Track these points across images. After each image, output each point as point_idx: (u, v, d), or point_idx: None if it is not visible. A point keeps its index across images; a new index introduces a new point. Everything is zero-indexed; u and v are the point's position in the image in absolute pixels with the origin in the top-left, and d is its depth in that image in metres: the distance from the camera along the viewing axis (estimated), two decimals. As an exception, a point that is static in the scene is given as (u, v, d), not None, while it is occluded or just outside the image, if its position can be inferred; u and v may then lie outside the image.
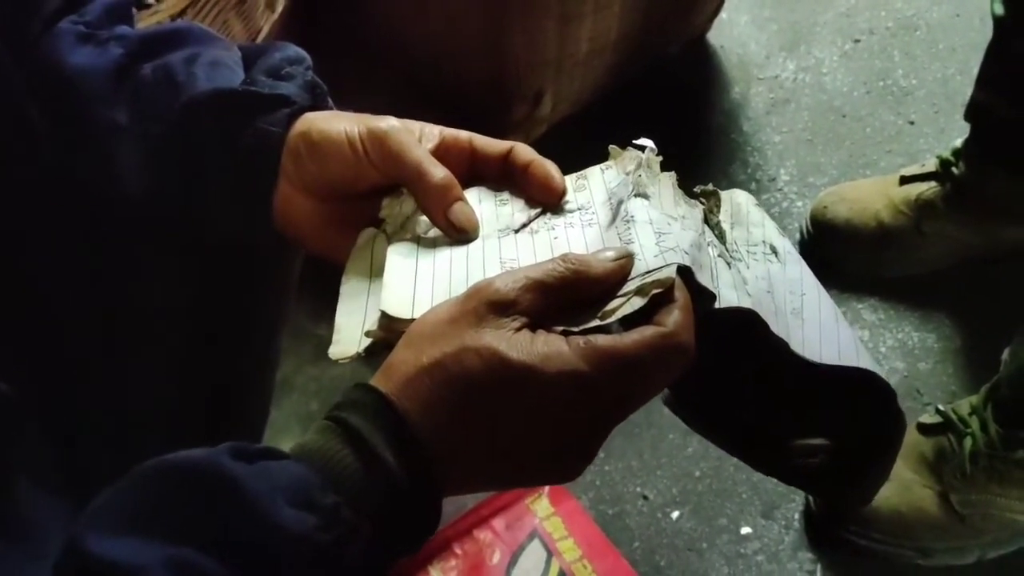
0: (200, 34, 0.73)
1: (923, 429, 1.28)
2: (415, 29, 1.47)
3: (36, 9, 0.69)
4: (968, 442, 1.23)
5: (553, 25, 1.41)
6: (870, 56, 1.85)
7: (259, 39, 1.26)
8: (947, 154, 1.48)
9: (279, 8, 1.28)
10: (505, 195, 0.66)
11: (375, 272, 0.63)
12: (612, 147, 0.69)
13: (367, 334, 0.59)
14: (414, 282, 0.60)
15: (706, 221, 0.66)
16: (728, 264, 0.63)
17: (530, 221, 0.64)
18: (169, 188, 0.68)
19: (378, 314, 0.59)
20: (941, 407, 1.28)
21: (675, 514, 1.34)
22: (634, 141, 0.68)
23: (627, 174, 0.66)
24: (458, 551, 1.15)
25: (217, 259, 0.72)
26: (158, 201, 0.68)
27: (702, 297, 0.58)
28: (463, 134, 0.67)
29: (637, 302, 0.56)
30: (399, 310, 0.58)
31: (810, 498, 1.31)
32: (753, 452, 0.69)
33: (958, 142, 1.48)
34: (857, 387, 0.63)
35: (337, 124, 0.65)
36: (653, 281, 0.56)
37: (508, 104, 1.51)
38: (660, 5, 1.53)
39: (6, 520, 0.59)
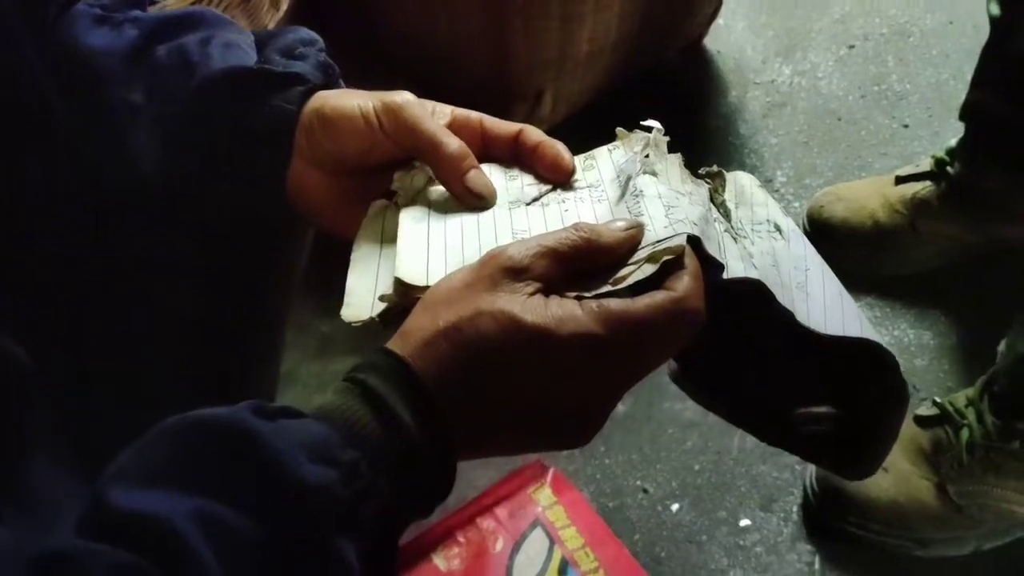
0: (213, 18, 0.74)
1: (920, 421, 1.30)
2: (417, 28, 1.49)
3: None
4: (965, 433, 1.24)
5: (554, 25, 1.43)
6: (864, 61, 1.88)
7: (264, 36, 1.28)
8: (942, 153, 1.50)
9: (283, 6, 1.30)
10: (515, 171, 0.68)
11: (386, 240, 0.64)
12: (619, 129, 0.70)
13: (382, 298, 0.60)
14: (427, 250, 0.61)
15: (711, 200, 0.68)
16: (734, 239, 0.65)
17: (540, 196, 0.66)
18: (183, 167, 0.69)
19: (391, 278, 0.60)
20: (938, 399, 1.29)
21: (675, 507, 1.35)
22: (641, 123, 0.70)
23: (635, 153, 0.67)
24: (461, 539, 1.16)
25: (228, 240, 0.73)
26: (172, 181, 0.69)
27: (710, 267, 0.59)
28: (474, 114, 0.68)
29: (648, 268, 0.57)
30: (414, 278, 0.59)
31: (809, 490, 1.32)
32: (759, 423, 0.70)
33: (953, 141, 1.49)
34: (861, 358, 0.64)
35: (350, 99, 0.66)
36: (664, 248, 0.57)
37: (508, 104, 1.53)
38: (658, 7, 1.55)
39: (21, 494, 0.59)
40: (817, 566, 1.30)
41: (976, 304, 1.53)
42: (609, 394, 0.57)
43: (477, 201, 0.64)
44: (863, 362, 0.64)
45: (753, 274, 0.61)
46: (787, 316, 0.61)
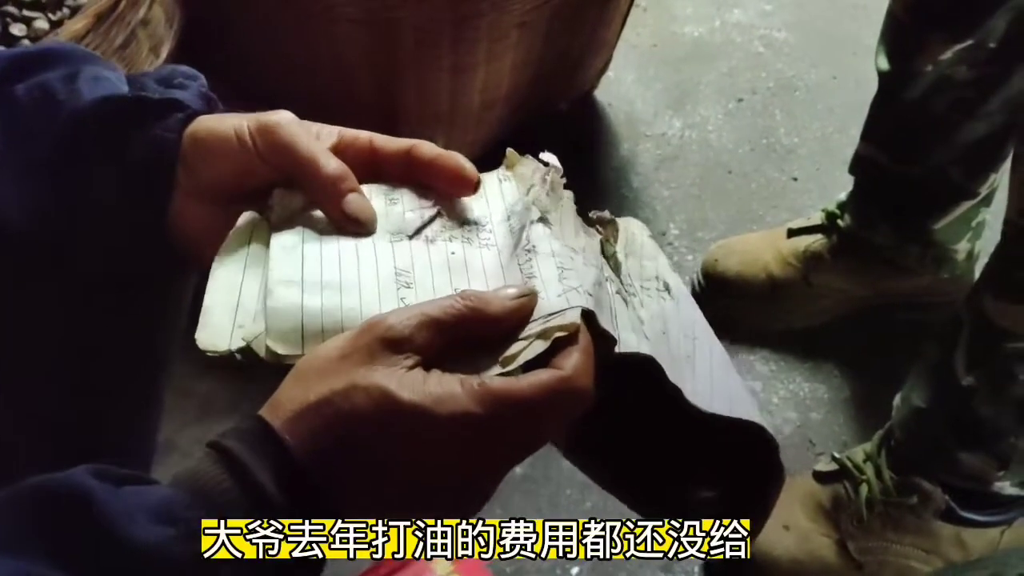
0: (77, 53, 0.68)
1: (819, 477, 1.29)
2: (304, 82, 1.45)
3: None
4: (864, 489, 1.24)
5: (445, 76, 1.40)
6: (753, 115, 1.90)
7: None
8: (832, 207, 1.51)
9: (163, 54, 1.24)
10: (396, 194, 0.63)
11: (252, 258, 0.59)
12: (509, 150, 0.67)
13: (243, 338, 0.55)
14: (301, 311, 0.56)
15: (603, 251, 0.65)
16: (625, 301, 0.62)
17: (424, 226, 0.61)
18: (53, 216, 0.63)
19: (253, 303, 0.56)
20: (836, 455, 1.29)
21: (574, 570, 1.31)
22: (539, 155, 0.66)
23: (527, 191, 0.63)
24: (354, 613, 1.11)
25: (103, 293, 0.67)
26: (40, 231, 0.63)
27: (602, 340, 0.56)
28: (363, 133, 0.64)
29: (539, 346, 0.54)
30: (288, 347, 0.55)
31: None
32: (640, 498, 0.68)
33: (843, 195, 1.51)
34: (743, 438, 0.62)
35: (226, 120, 0.61)
36: (557, 325, 0.54)
37: (399, 157, 1.50)
38: (550, 59, 1.54)
39: None
40: (720, 628, 1.28)
41: (869, 356, 1.55)
42: (491, 472, 0.54)
43: (356, 227, 0.60)
44: (744, 441, 0.62)
45: (645, 347, 0.58)
46: (676, 394, 0.59)
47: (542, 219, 0.62)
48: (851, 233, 1.48)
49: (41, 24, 1.16)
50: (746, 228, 1.70)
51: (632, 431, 0.66)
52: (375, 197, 0.62)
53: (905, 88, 1.32)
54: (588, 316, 0.55)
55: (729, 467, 0.65)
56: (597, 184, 1.75)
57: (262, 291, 0.57)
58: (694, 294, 1.55)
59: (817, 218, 1.54)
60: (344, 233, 0.60)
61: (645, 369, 0.58)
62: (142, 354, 0.75)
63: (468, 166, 0.62)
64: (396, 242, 0.60)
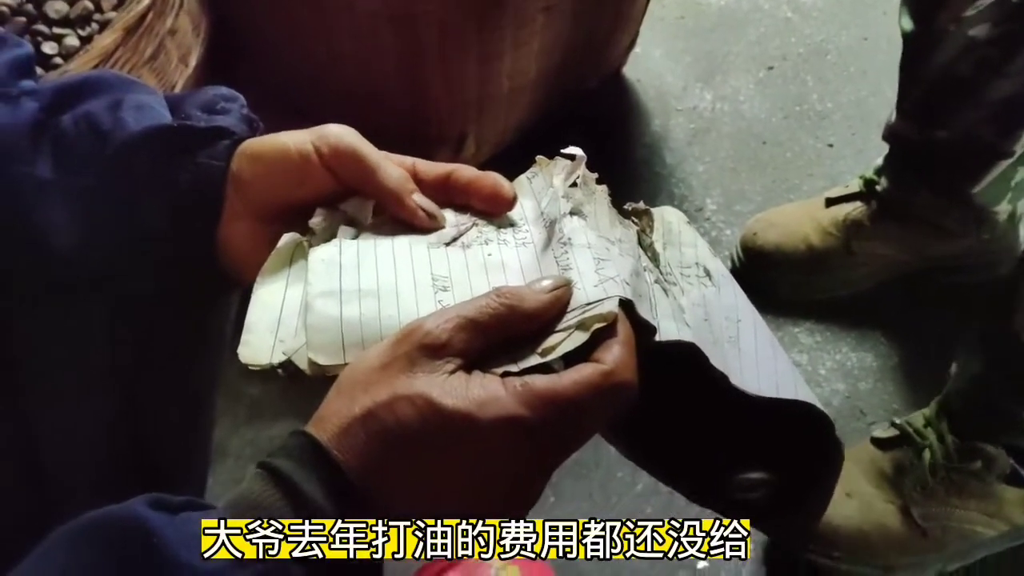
0: (117, 81, 0.69)
1: (879, 444, 1.28)
2: (332, 80, 1.45)
3: None
4: (927, 455, 1.23)
5: (473, 66, 1.40)
6: (784, 82, 1.87)
7: (174, 94, 1.22)
8: (870, 173, 1.50)
9: (192, 62, 1.24)
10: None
11: (293, 277, 0.60)
12: (539, 157, 0.67)
13: (284, 352, 0.56)
14: (340, 322, 0.56)
15: (640, 242, 0.65)
16: (665, 291, 0.62)
17: (460, 235, 0.62)
18: (103, 242, 0.64)
19: (294, 320, 0.57)
20: (897, 420, 1.28)
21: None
22: (562, 151, 0.66)
23: (553, 186, 0.63)
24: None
25: (150, 313, 0.68)
26: (90, 257, 0.64)
27: (642, 330, 0.56)
28: (407, 159, 0.65)
29: (579, 337, 0.54)
30: (330, 358, 0.55)
31: (768, 525, 1.29)
32: (692, 486, 0.67)
33: (879, 160, 1.49)
34: (796, 419, 0.61)
35: (280, 136, 0.63)
36: (595, 315, 0.54)
37: (431, 149, 1.49)
38: (577, 40, 1.52)
39: None
40: (781, 602, 1.27)
41: (915, 321, 1.53)
42: (539, 472, 0.54)
43: (430, 222, 0.62)
44: (797, 422, 0.61)
45: (686, 333, 0.58)
46: (721, 379, 0.58)
47: (576, 212, 0.62)
48: (890, 198, 1.46)
49: (72, 41, 1.16)
50: (783, 198, 1.68)
51: (678, 419, 0.65)
52: None
53: (930, 51, 1.30)
54: (627, 306, 0.55)
55: (782, 449, 0.64)
56: (630, 162, 1.73)
57: (302, 306, 0.57)
58: (734, 269, 1.55)
59: (855, 185, 1.52)
60: (401, 233, 0.61)
61: (688, 356, 0.58)
62: (191, 367, 0.75)
63: (505, 184, 0.63)
64: (433, 249, 0.61)
